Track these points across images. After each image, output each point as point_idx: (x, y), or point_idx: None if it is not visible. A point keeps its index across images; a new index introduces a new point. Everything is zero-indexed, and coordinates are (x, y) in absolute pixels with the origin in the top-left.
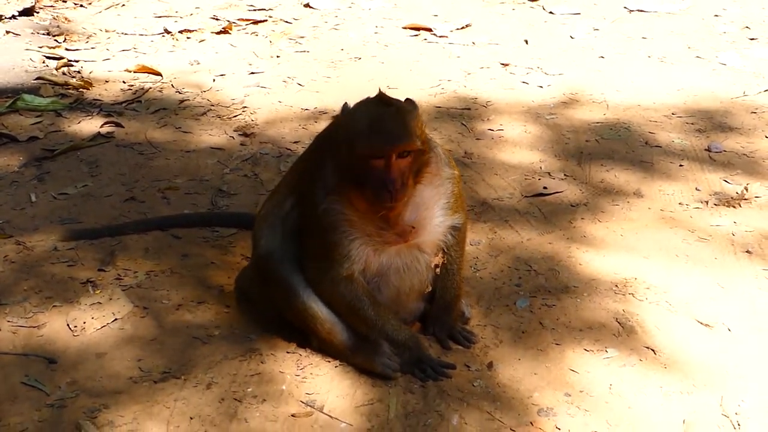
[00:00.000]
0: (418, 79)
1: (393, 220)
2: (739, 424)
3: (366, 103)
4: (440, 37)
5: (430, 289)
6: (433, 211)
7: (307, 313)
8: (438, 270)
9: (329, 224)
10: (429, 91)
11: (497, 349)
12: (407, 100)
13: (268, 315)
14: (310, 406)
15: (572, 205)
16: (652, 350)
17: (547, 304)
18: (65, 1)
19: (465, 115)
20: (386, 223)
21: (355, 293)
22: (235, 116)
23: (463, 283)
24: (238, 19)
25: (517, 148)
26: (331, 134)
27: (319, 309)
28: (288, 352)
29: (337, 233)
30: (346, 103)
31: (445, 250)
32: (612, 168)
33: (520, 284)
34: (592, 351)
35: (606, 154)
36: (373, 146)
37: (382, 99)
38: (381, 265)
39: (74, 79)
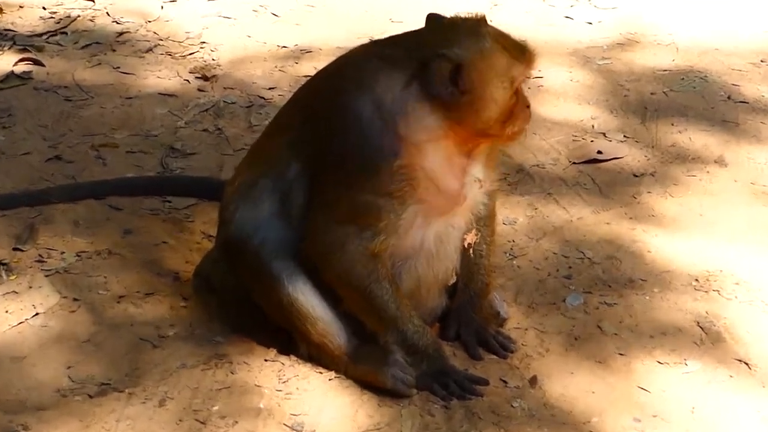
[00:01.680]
0: (429, 11)
1: (470, 172)
2: None
3: (461, 30)
4: None
5: (454, 279)
6: (474, 181)
7: (294, 309)
8: (471, 251)
9: (387, 186)
10: None
11: (542, 359)
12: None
13: (241, 310)
14: (296, 430)
15: (635, 175)
16: (745, 363)
17: (607, 302)
18: None
19: None
20: (460, 176)
21: (378, 276)
22: (190, 54)
23: (493, 271)
24: None
25: (562, 101)
26: (434, 76)
27: (311, 303)
28: (267, 360)
29: (392, 198)
30: (442, 53)
31: (476, 226)
32: (685, 128)
33: (570, 276)
34: (668, 363)
35: (677, 110)
36: (529, 67)
37: (474, 19)
38: (416, 245)
39: None
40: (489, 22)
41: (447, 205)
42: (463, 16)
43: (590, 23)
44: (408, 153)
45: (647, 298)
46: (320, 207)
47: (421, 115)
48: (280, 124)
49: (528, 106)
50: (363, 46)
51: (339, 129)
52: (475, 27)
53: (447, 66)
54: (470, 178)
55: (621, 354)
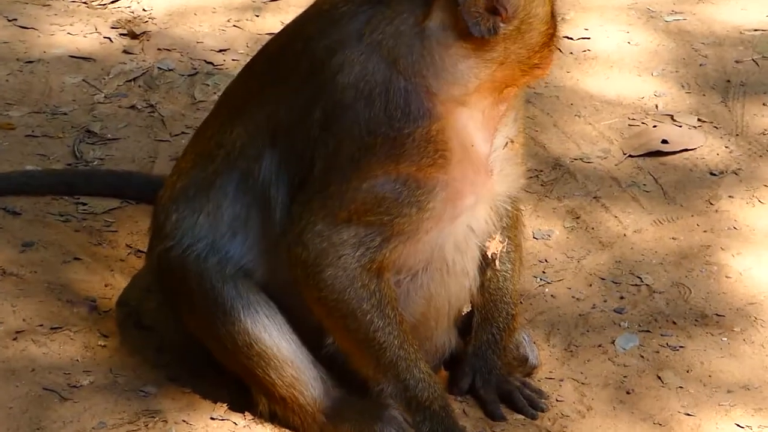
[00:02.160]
0: None
1: (497, 129)
2: None
3: None
4: None
5: (469, 307)
6: (504, 141)
7: (254, 351)
8: (497, 263)
9: (419, 156)
10: None
11: (583, 420)
12: None
13: (180, 352)
14: None
15: (713, 173)
16: None
17: (670, 344)
18: None
19: None
20: (490, 134)
21: (380, 300)
22: (113, 2)
23: (521, 301)
24: None
25: (615, 71)
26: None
27: (276, 343)
28: (214, 419)
29: (424, 174)
30: None
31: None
32: None
33: (622, 309)
34: (750, 428)
35: None
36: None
37: None
38: (429, 251)
39: None
40: None
41: (476, 180)
42: None
43: None
44: (440, 114)
45: (725, 339)
46: (311, 203)
47: (449, 62)
48: (240, 105)
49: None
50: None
51: (344, 98)
52: None
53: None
54: (498, 139)
55: (688, 414)
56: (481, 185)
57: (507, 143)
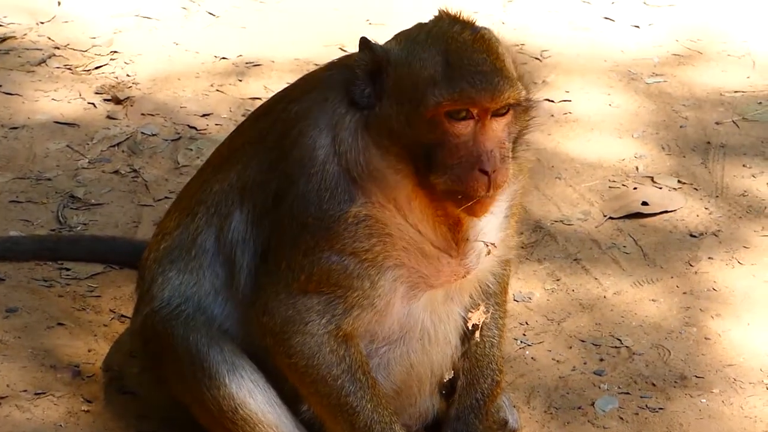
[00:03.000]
0: (420, 7)
1: (465, 232)
2: None
3: (426, 27)
4: None
5: (451, 374)
6: (502, 225)
7: (239, 416)
8: (477, 335)
9: (352, 241)
10: None
11: None
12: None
13: (165, 418)
14: None
15: (693, 235)
16: None
17: (650, 406)
18: None
19: None
20: (453, 237)
21: (350, 365)
22: (97, 68)
23: (504, 366)
24: None
25: (596, 134)
26: (353, 79)
27: (261, 408)
28: None
29: (362, 258)
30: (364, 37)
31: (484, 301)
32: (762, 171)
33: (602, 372)
34: None
35: (751, 146)
36: (461, 96)
37: (450, 16)
38: (404, 320)
39: None
40: (488, 32)
41: (440, 275)
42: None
43: (638, 26)
44: (369, 201)
45: (704, 401)
46: (275, 269)
47: (368, 141)
48: (221, 162)
49: (483, 170)
50: (334, 62)
51: (293, 171)
52: (441, 28)
53: (366, 58)
54: (472, 241)
55: None
56: (449, 275)
57: (488, 249)
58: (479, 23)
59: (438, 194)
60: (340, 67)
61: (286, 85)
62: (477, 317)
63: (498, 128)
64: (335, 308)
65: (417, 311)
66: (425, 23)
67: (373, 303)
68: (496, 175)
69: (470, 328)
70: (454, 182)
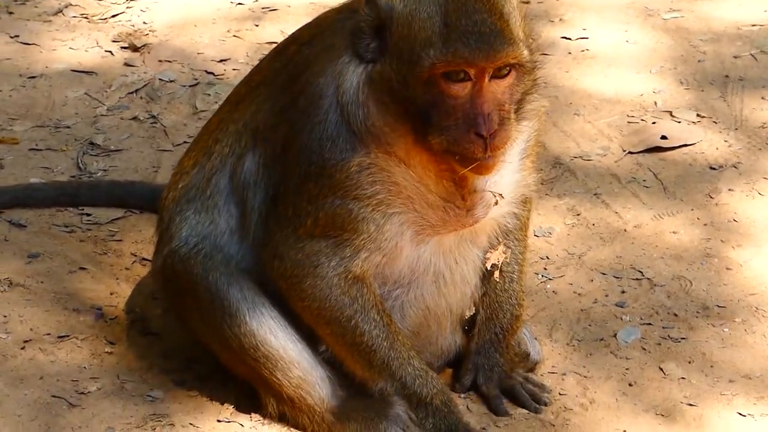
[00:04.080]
0: None
1: (471, 185)
2: None
3: None
4: None
5: (472, 311)
6: (515, 168)
7: (260, 353)
8: (496, 274)
9: (354, 188)
10: None
11: (586, 413)
12: None
13: (186, 357)
14: None
15: (712, 168)
16: None
17: (672, 336)
18: None
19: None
20: (458, 190)
21: (363, 305)
22: (113, 16)
23: (525, 300)
24: None
25: (614, 69)
26: (358, 32)
27: (282, 344)
28: (221, 421)
29: (365, 203)
30: None
31: (503, 239)
32: None
33: (623, 303)
34: (752, 416)
35: None
36: (455, 57)
37: None
38: (415, 263)
39: None
40: None
41: (447, 224)
42: None
43: None
44: (370, 151)
45: (726, 330)
46: (284, 214)
47: (369, 95)
48: (237, 101)
49: (478, 134)
50: (344, 5)
51: (299, 119)
52: None
53: (371, 13)
54: (480, 192)
55: (691, 404)
56: (457, 224)
57: (494, 198)
58: None
59: (437, 153)
60: (349, 13)
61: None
62: (495, 257)
63: (497, 90)
64: (343, 251)
65: (427, 255)
66: None
67: (380, 246)
68: (493, 138)
69: (489, 268)
70: (450, 144)
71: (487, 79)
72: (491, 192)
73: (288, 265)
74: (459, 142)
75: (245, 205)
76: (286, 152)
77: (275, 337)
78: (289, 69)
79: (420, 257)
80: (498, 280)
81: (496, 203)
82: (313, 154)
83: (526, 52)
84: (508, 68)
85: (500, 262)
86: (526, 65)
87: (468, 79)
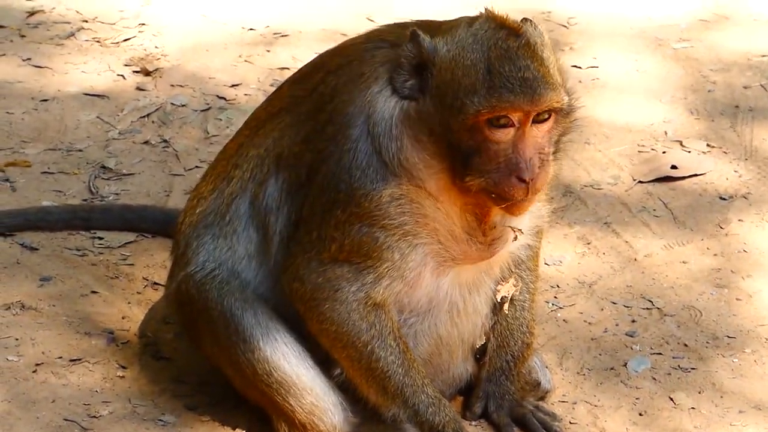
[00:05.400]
0: None
1: (492, 221)
2: None
3: (473, 29)
4: None
5: (483, 340)
6: (509, 233)
7: (273, 378)
8: (506, 307)
9: (383, 218)
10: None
11: None
12: (525, 20)
13: (199, 382)
14: None
15: (722, 198)
16: None
17: (682, 366)
18: None
19: None
20: (479, 225)
21: (381, 331)
22: (125, 40)
23: (536, 328)
24: None
25: (625, 98)
26: (397, 67)
27: (296, 371)
28: None
29: (392, 232)
30: (415, 30)
31: (515, 270)
32: None
33: (634, 333)
34: None
35: None
36: (500, 103)
37: (496, 20)
38: (434, 293)
39: None
40: (534, 36)
41: (467, 257)
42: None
43: None
44: (401, 182)
45: (736, 360)
46: (306, 238)
47: (404, 131)
48: (258, 126)
49: (521, 179)
50: (371, 34)
51: (327, 147)
52: (486, 32)
53: (413, 51)
54: (500, 228)
55: None
56: (476, 257)
57: (514, 235)
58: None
59: (472, 192)
60: (378, 42)
61: (326, 50)
62: (506, 290)
63: (538, 135)
64: (365, 277)
65: (445, 285)
66: (472, 21)
67: (403, 275)
68: (534, 182)
69: (499, 300)
70: (490, 186)
71: (529, 125)
72: (511, 227)
73: (308, 288)
74: (500, 186)
75: (267, 229)
76: (311, 179)
77: (289, 363)
78: (314, 97)
79: (439, 287)
80: (507, 311)
81: (515, 239)
82: (341, 182)
83: (566, 97)
84: (548, 113)
85: (510, 295)
86: (565, 109)
87: (511, 125)
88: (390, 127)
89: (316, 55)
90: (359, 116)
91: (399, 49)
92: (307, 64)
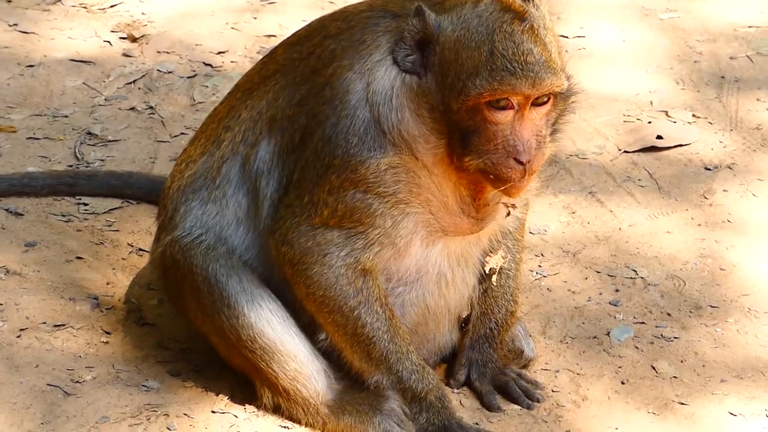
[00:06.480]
0: None
1: (486, 198)
2: None
3: (474, 7)
4: None
5: (469, 311)
6: (503, 209)
7: (257, 344)
8: (494, 278)
9: (378, 185)
10: None
11: (578, 410)
12: (529, 1)
13: (182, 347)
14: None
15: (707, 168)
16: None
17: (665, 335)
18: None
19: None
20: (472, 202)
21: (367, 297)
22: (112, 6)
23: (520, 297)
24: None
25: (610, 69)
26: (400, 40)
27: (280, 337)
28: (215, 412)
29: (386, 199)
30: (421, 6)
31: (502, 240)
32: None
33: (617, 302)
34: (743, 415)
35: (765, 80)
36: (502, 86)
37: (501, 1)
38: (422, 263)
39: None
40: (538, 19)
41: (458, 229)
42: None
43: None
44: (396, 151)
45: (719, 330)
46: (297, 202)
47: (405, 104)
48: (251, 88)
49: (518, 160)
50: (374, 4)
51: (323, 111)
52: (492, 14)
53: (417, 26)
54: (493, 204)
55: (682, 403)
56: (467, 230)
57: (508, 210)
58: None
59: (469, 171)
60: (381, 12)
61: (324, 14)
62: (494, 262)
63: (537, 117)
64: (355, 242)
65: (434, 255)
66: (477, 0)
67: (393, 242)
68: (531, 164)
69: (487, 272)
70: (487, 166)
71: (529, 107)
72: (504, 203)
73: (297, 251)
74: (497, 167)
75: (257, 193)
76: (304, 143)
77: (273, 330)
78: (310, 61)
79: (428, 257)
80: (495, 282)
81: (508, 214)
82: (338, 147)
83: (566, 82)
84: (547, 96)
85: (498, 267)
86: (564, 93)
87: (511, 107)
88: (390, 97)
89: (304, 23)
90: (358, 82)
91: (402, 20)
92: (304, 27)
